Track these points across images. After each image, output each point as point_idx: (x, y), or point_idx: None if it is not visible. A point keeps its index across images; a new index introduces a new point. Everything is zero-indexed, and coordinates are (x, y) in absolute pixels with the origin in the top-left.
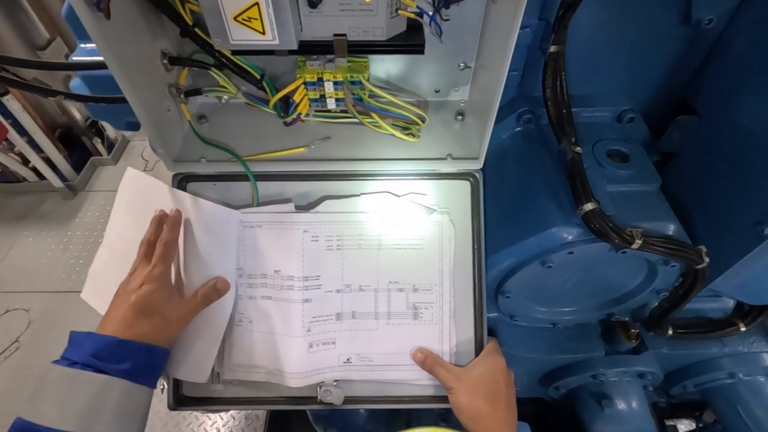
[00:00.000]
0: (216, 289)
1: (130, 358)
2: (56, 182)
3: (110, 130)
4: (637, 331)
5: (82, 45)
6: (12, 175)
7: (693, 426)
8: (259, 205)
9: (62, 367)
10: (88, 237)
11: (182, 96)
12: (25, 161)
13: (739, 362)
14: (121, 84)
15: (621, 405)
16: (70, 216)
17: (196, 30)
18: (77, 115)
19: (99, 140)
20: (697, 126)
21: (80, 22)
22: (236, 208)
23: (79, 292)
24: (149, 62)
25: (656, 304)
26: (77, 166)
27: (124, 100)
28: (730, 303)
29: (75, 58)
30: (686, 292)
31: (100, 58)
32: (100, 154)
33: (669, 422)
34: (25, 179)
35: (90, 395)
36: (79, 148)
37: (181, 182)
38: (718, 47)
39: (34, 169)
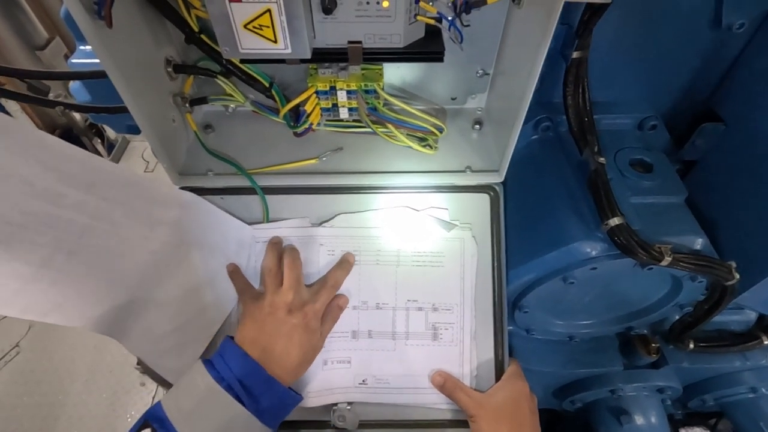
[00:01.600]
0: (339, 307)
1: (270, 397)
2: None
3: (110, 131)
4: (658, 345)
5: (82, 47)
6: None
7: None
8: (270, 221)
9: (209, 377)
10: None
11: (187, 105)
12: None
13: (762, 376)
14: (123, 94)
15: (639, 420)
16: None
17: (203, 36)
18: (77, 116)
19: (99, 141)
20: (723, 134)
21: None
22: (247, 222)
23: None
24: (153, 70)
25: (677, 317)
26: None
27: (126, 110)
28: (752, 315)
29: (74, 61)
30: (712, 308)
31: (101, 66)
32: (100, 155)
33: (682, 430)
34: None
35: (221, 420)
36: None
37: None
38: (748, 52)
39: None
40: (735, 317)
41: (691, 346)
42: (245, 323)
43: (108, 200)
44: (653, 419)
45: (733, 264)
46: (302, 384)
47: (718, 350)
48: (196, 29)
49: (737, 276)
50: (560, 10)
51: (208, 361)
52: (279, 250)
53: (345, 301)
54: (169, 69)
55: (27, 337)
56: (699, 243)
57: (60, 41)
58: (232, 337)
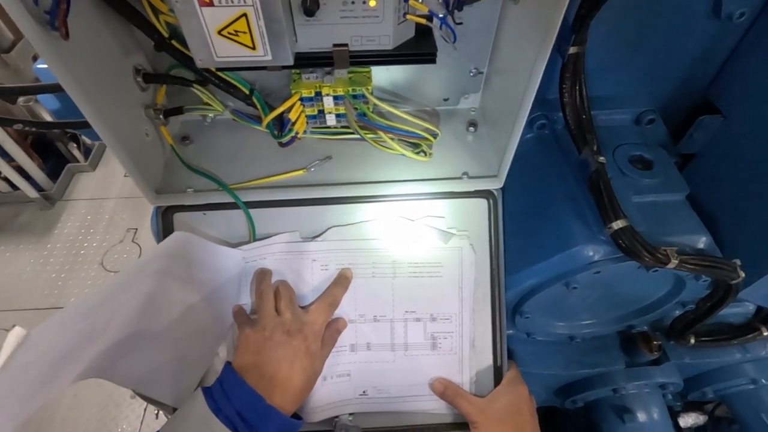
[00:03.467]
0: (338, 330)
1: (269, 428)
2: (31, 192)
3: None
4: (659, 342)
5: None
6: None
7: (701, 419)
8: (257, 239)
9: (207, 408)
10: (70, 249)
11: (162, 117)
12: None
13: (762, 368)
14: (84, 110)
15: (642, 418)
16: (48, 227)
17: (174, 43)
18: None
19: (75, 146)
20: (721, 126)
21: None
22: (233, 240)
23: (62, 308)
24: (120, 81)
25: (679, 314)
26: (53, 175)
27: None
28: (751, 307)
29: (40, 66)
30: (715, 305)
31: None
32: (77, 161)
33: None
34: None
35: None
36: (53, 155)
37: (167, 214)
38: (747, 42)
39: (7, 180)
40: (734, 310)
41: (692, 341)
42: (244, 349)
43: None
44: (656, 415)
45: (738, 262)
46: (304, 401)
47: (719, 344)
48: (166, 35)
49: (742, 274)
50: (566, 5)
51: (207, 390)
52: (269, 274)
53: (344, 325)
54: (139, 79)
55: None
56: (703, 242)
57: (27, 42)
58: (231, 363)
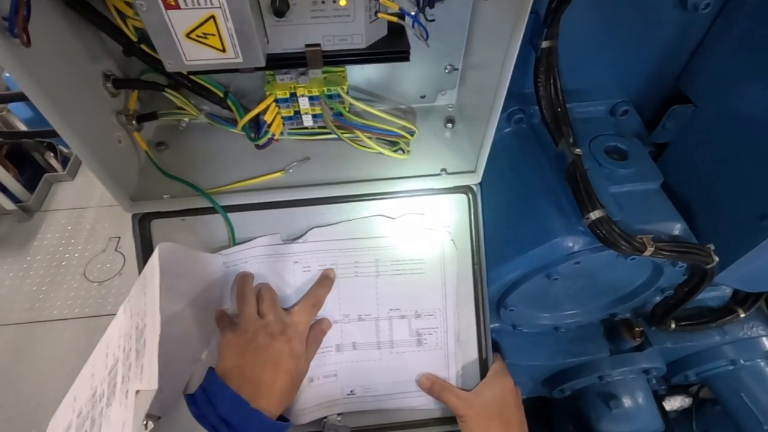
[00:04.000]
0: (323, 331)
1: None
2: (8, 204)
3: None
4: (641, 329)
5: None
6: None
7: (687, 401)
8: (237, 243)
9: (191, 416)
10: (50, 260)
11: (134, 122)
12: None
13: (740, 348)
14: (51, 119)
15: (628, 403)
16: (27, 240)
17: (143, 47)
18: (24, 130)
19: (52, 155)
20: (692, 115)
21: None
22: (213, 245)
23: (45, 321)
24: (89, 88)
25: (659, 300)
26: (30, 185)
27: None
28: (728, 290)
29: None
30: (692, 290)
31: None
32: (55, 170)
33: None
34: None
35: None
36: (30, 165)
37: (144, 221)
38: (714, 33)
39: None
40: (712, 294)
41: (673, 326)
42: (226, 353)
43: None
44: (640, 400)
45: (712, 247)
46: (290, 403)
47: (699, 327)
48: (134, 39)
49: (716, 259)
50: (532, 0)
51: (190, 397)
52: (250, 277)
53: (328, 325)
54: (109, 84)
55: None
56: (678, 228)
57: None
58: (214, 368)
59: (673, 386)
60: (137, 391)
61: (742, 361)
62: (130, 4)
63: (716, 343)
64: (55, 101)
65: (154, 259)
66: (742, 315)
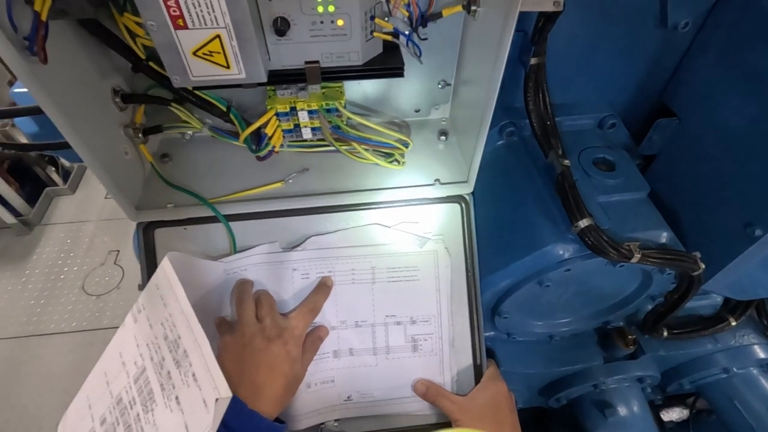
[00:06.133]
0: (320, 338)
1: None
2: (8, 218)
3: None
4: (634, 336)
5: None
6: None
7: (685, 413)
8: (237, 251)
9: None
10: (48, 274)
11: (140, 135)
12: None
13: (732, 356)
14: (64, 132)
15: (623, 411)
16: (26, 253)
17: (151, 64)
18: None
19: (53, 169)
20: (677, 128)
21: None
22: (214, 253)
23: (42, 335)
24: (99, 102)
25: (650, 308)
26: (31, 199)
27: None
28: (719, 299)
29: (17, 90)
30: (681, 297)
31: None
32: (56, 184)
33: (662, 412)
34: None
35: None
36: (31, 179)
37: (148, 230)
38: (694, 49)
39: None
40: (703, 302)
41: (665, 334)
42: (224, 356)
43: None
44: (636, 408)
45: (698, 254)
46: (287, 408)
47: (691, 335)
48: (143, 57)
49: (702, 266)
50: (515, 21)
51: None
52: (249, 283)
53: (325, 332)
54: (117, 99)
55: None
56: (664, 237)
57: (2, 67)
58: None
59: (670, 397)
60: (216, 399)
61: (734, 369)
62: (141, 24)
63: (709, 351)
64: (68, 114)
65: (168, 269)
66: (733, 323)
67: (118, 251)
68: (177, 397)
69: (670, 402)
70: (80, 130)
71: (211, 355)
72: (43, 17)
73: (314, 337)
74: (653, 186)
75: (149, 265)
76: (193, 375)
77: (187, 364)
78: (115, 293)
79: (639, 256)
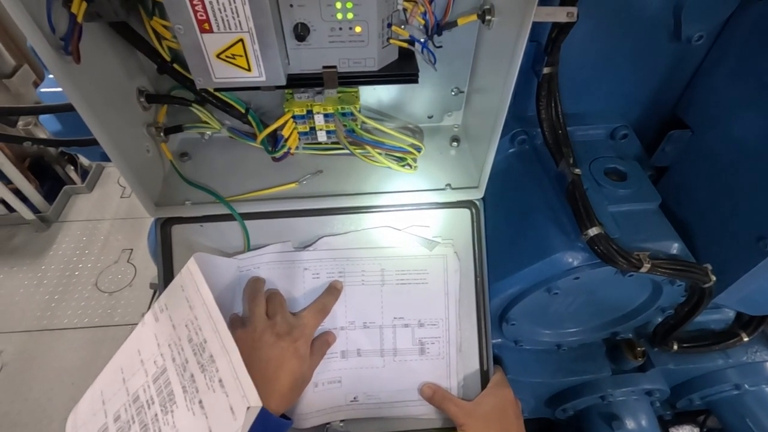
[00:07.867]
0: (327, 342)
1: (257, 427)
2: (27, 214)
3: (84, 157)
4: (643, 349)
5: (51, 75)
6: None
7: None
8: (251, 248)
9: None
10: (64, 270)
11: (162, 134)
12: None
13: (744, 373)
14: (93, 129)
15: (631, 425)
16: (43, 249)
17: (175, 66)
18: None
19: (72, 168)
20: (690, 140)
21: None
22: (228, 251)
23: (55, 329)
24: (125, 102)
25: (660, 320)
26: (49, 196)
27: (97, 141)
28: (731, 313)
29: (43, 90)
30: (692, 309)
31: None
32: (74, 183)
33: (672, 429)
34: None
35: None
36: (50, 177)
37: (165, 226)
38: (708, 62)
39: (3, 202)
40: (714, 316)
41: (675, 347)
42: None
43: None
44: (644, 422)
45: (709, 266)
46: (294, 407)
47: (701, 350)
48: (168, 59)
49: (713, 278)
50: (528, 31)
51: None
52: (261, 281)
53: (333, 338)
54: (142, 99)
55: None
56: (675, 248)
57: (28, 69)
58: None
59: (680, 414)
60: (248, 408)
61: (746, 386)
62: (168, 28)
63: (719, 366)
64: (97, 112)
65: (195, 271)
66: (746, 339)
67: (132, 250)
68: (200, 401)
69: (681, 419)
70: (107, 127)
71: (241, 363)
72: (79, 19)
73: (322, 341)
74: (665, 197)
75: (165, 260)
76: (220, 381)
77: (213, 369)
78: (127, 291)
79: (648, 265)
